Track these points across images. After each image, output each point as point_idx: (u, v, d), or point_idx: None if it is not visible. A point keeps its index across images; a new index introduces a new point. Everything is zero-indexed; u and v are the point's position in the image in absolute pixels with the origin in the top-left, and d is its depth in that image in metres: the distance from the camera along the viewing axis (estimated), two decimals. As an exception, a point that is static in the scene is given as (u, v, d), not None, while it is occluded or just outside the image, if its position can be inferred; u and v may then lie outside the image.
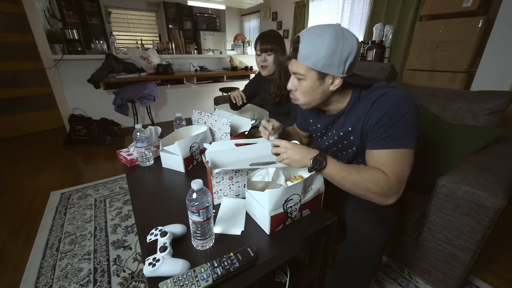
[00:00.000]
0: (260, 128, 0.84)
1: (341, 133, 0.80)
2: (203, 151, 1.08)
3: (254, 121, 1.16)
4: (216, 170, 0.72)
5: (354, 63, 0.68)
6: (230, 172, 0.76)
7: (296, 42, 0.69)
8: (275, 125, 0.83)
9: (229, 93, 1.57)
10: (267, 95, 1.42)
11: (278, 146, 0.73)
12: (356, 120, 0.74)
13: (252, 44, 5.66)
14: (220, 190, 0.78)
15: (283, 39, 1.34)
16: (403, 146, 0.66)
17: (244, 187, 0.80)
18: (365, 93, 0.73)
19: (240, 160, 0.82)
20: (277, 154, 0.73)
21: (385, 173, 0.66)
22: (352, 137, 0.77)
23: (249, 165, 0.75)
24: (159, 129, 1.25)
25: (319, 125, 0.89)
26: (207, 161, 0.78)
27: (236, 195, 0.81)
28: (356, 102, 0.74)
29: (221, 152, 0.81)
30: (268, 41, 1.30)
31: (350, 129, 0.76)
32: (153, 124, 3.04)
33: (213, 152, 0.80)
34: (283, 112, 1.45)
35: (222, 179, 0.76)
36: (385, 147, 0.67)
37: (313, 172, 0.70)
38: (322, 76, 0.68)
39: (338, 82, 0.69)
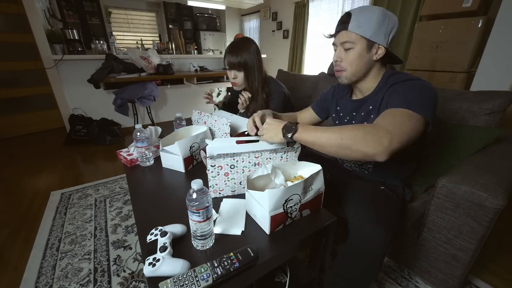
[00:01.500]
0: (248, 127, 0.87)
1: (363, 113, 0.83)
2: (205, 149, 1.08)
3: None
4: (210, 162, 0.72)
5: (393, 38, 0.76)
6: (226, 167, 0.76)
7: (347, 16, 0.76)
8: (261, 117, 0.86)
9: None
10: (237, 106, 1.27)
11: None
12: (377, 100, 0.78)
13: (252, 44, 5.66)
14: (216, 184, 0.79)
15: (255, 49, 1.16)
16: (411, 108, 0.64)
17: (241, 184, 0.81)
18: (392, 79, 0.77)
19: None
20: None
21: (371, 124, 0.65)
22: (372, 116, 0.80)
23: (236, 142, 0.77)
24: (159, 129, 1.25)
25: (346, 110, 0.92)
26: (205, 156, 0.79)
27: (232, 191, 0.82)
28: (384, 86, 0.78)
29: (221, 149, 0.81)
30: (236, 53, 1.12)
31: (371, 107, 0.80)
32: (153, 124, 3.04)
33: (214, 148, 0.80)
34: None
35: (218, 174, 0.77)
36: (396, 106, 0.67)
37: (292, 141, 0.71)
38: (370, 44, 0.75)
39: (381, 52, 0.75)
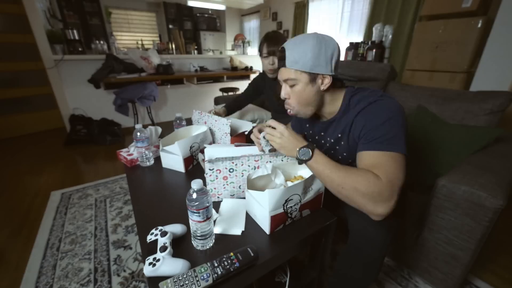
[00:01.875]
0: (252, 137, 0.82)
1: (333, 140, 0.81)
2: (203, 151, 1.08)
3: (255, 123, 1.16)
4: (208, 165, 0.72)
5: (338, 61, 0.72)
6: (224, 171, 0.76)
7: (282, 52, 0.72)
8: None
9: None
10: (272, 95, 1.42)
11: (274, 128, 0.71)
12: (344, 127, 0.75)
13: (252, 45, 5.67)
14: (215, 188, 0.78)
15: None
16: (391, 149, 0.63)
17: (240, 188, 0.81)
18: (355, 100, 0.73)
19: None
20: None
21: (376, 174, 0.62)
22: (342, 143, 0.78)
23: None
24: (159, 129, 1.26)
25: (315, 130, 0.89)
26: (203, 159, 0.79)
27: (231, 195, 0.81)
28: (347, 109, 0.75)
29: (219, 152, 0.81)
30: (276, 43, 1.27)
31: (339, 135, 0.78)
32: (153, 124, 3.04)
33: (212, 151, 0.80)
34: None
35: (216, 178, 0.77)
36: (372, 148, 0.65)
37: (302, 163, 0.68)
38: (312, 77, 0.71)
39: (328, 81, 0.71)
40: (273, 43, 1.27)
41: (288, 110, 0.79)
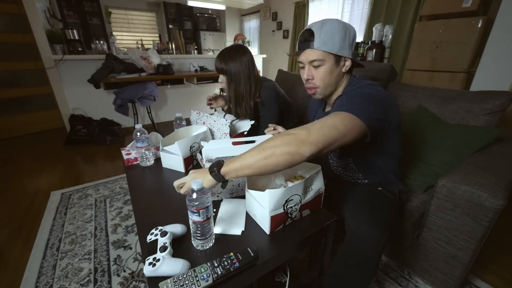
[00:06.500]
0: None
1: None
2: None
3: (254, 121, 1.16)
4: (208, 165, 0.72)
5: (353, 47, 0.78)
6: None
7: (309, 34, 0.74)
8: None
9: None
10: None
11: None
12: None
13: (252, 44, 5.66)
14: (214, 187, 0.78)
15: (246, 60, 1.14)
16: (340, 110, 0.66)
17: (239, 186, 0.81)
18: (350, 87, 0.80)
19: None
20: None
21: (289, 131, 0.62)
22: None
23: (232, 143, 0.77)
24: (160, 137, 1.22)
25: None
26: (202, 159, 0.79)
27: (230, 193, 0.81)
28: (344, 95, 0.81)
29: (217, 151, 0.81)
30: (221, 60, 1.15)
31: None
32: (153, 124, 3.04)
33: (209, 150, 0.80)
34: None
35: None
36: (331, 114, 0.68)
37: (222, 179, 0.63)
38: (337, 59, 0.76)
39: (349, 63, 0.77)
40: (219, 60, 1.15)
41: (309, 90, 0.84)
